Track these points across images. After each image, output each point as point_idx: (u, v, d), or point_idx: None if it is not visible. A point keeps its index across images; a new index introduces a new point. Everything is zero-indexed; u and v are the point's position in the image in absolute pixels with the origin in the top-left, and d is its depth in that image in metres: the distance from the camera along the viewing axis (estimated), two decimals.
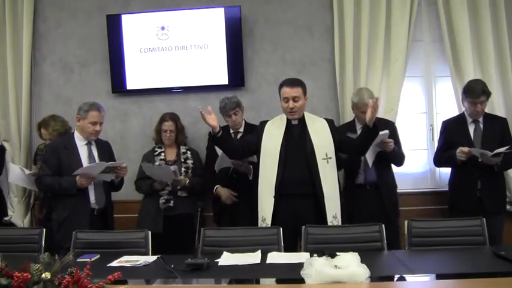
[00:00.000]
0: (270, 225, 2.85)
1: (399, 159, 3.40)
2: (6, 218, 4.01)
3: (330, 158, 2.95)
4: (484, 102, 3.30)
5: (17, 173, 3.62)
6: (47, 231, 2.87)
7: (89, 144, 3.21)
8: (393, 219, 3.28)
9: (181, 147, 3.71)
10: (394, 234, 3.13)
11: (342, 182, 3.71)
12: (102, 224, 3.15)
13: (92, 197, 3.14)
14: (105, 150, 3.30)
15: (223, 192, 3.54)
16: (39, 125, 3.72)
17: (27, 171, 3.59)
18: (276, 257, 2.40)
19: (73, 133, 3.25)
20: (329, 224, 2.85)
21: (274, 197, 2.90)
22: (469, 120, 3.39)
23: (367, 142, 3.00)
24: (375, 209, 3.27)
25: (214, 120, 2.92)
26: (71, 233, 2.76)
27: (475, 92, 3.27)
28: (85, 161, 3.14)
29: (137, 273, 2.21)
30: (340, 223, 2.92)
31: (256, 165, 3.12)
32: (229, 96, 3.61)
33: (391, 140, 3.19)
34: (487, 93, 3.29)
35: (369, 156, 3.23)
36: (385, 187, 3.35)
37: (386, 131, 3.15)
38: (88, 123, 3.14)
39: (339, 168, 3.54)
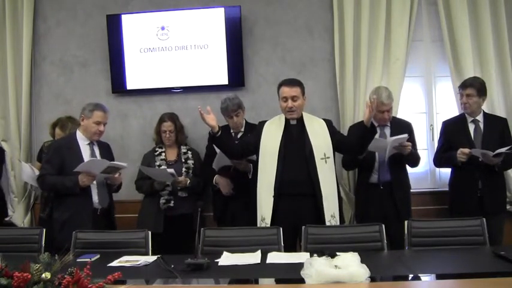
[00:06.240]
0: (269, 225, 2.86)
1: (414, 161, 3.39)
2: (6, 219, 4.01)
3: (328, 157, 2.95)
4: (471, 97, 3.30)
5: (28, 171, 3.63)
6: (48, 231, 2.87)
7: (91, 144, 3.22)
8: (405, 219, 3.25)
9: (182, 147, 3.71)
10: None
11: (355, 180, 3.72)
12: (105, 224, 3.16)
13: (95, 197, 3.14)
14: (106, 151, 3.31)
15: (221, 181, 3.50)
16: (54, 125, 3.71)
17: (36, 172, 3.59)
18: (276, 257, 2.40)
19: (75, 133, 3.24)
20: (327, 223, 2.85)
21: (273, 196, 2.91)
22: (469, 120, 3.39)
23: (365, 142, 2.99)
24: (388, 209, 3.27)
25: (213, 120, 2.92)
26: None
27: (464, 83, 3.37)
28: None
29: (137, 273, 2.21)
30: (338, 223, 2.92)
31: (255, 164, 3.12)
32: (231, 97, 3.54)
33: (409, 143, 3.19)
34: (477, 89, 3.29)
35: (387, 153, 3.22)
36: (399, 187, 3.33)
37: (405, 135, 3.16)
38: (92, 123, 3.15)
39: (352, 167, 3.55)
